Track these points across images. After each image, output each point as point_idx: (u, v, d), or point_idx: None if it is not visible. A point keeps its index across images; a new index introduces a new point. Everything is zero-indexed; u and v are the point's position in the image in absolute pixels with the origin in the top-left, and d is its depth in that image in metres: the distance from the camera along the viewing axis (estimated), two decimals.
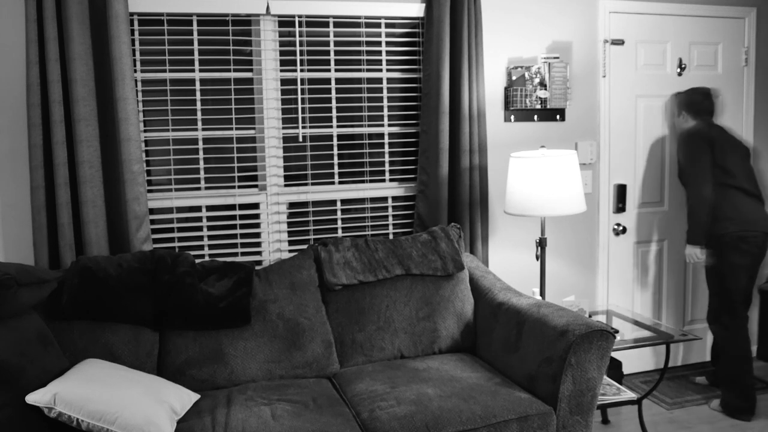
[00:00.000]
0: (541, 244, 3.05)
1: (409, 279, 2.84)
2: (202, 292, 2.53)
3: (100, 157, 2.73)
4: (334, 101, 3.17)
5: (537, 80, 3.37)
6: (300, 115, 3.12)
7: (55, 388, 1.93)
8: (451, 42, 3.13)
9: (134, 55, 2.86)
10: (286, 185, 3.15)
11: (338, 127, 3.19)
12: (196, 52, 2.95)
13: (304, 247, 3.13)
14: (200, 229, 3.03)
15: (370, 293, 2.78)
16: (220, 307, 2.52)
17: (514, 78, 3.34)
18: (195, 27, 2.95)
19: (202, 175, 3.03)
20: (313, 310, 2.69)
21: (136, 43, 2.87)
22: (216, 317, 2.51)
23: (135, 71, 2.85)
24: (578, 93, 3.54)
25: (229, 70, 3.02)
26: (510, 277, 3.49)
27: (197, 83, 2.97)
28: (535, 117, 3.44)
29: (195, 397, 2.28)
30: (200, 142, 3.01)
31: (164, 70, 2.92)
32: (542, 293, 3.07)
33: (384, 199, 3.31)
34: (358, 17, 3.15)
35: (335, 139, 3.20)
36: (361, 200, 3.27)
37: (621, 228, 3.70)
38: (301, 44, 3.08)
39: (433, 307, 2.81)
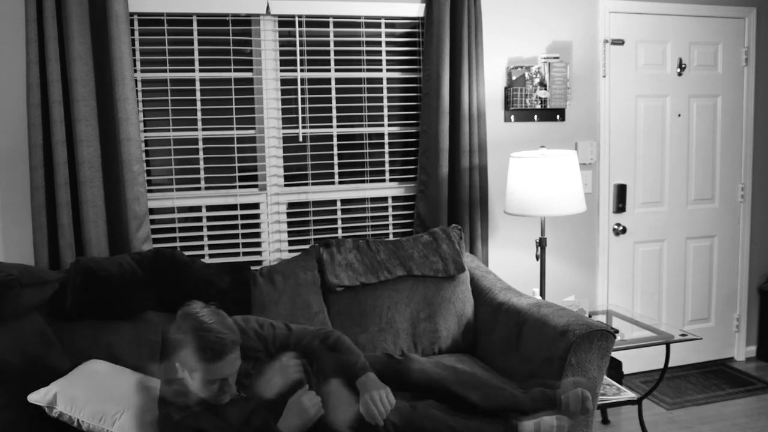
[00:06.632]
0: (541, 244, 3.05)
1: (410, 280, 2.83)
2: (204, 280, 2.53)
3: (100, 157, 2.72)
4: (334, 101, 3.16)
5: (537, 80, 3.37)
6: (300, 115, 3.12)
7: (56, 387, 1.94)
8: (451, 42, 3.13)
9: (134, 55, 2.86)
10: (286, 185, 3.14)
11: (338, 127, 3.19)
12: (196, 52, 2.95)
13: (304, 247, 3.12)
14: (200, 229, 3.03)
15: (372, 294, 2.77)
16: (222, 287, 2.52)
17: (514, 78, 3.34)
18: (195, 27, 2.94)
19: (202, 175, 3.03)
20: (316, 311, 2.69)
21: (136, 43, 2.87)
22: (217, 296, 2.47)
23: (135, 71, 2.85)
24: (578, 93, 3.54)
25: (229, 70, 3.01)
26: (510, 277, 3.49)
27: (197, 83, 2.97)
28: (535, 117, 3.44)
29: None
30: (200, 142, 3.01)
31: (164, 70, 2.92)
32: (542, 293, 3.07)
33: (384, 199, 3.30)
34: (358, 17, 3.15)
35: (335, 139, 3.20)
36: (361, 200, 3.27)
37: (621, 228, 3.70)
38: (301, 44, 3.08)
39: (434, 308, 2.81)
